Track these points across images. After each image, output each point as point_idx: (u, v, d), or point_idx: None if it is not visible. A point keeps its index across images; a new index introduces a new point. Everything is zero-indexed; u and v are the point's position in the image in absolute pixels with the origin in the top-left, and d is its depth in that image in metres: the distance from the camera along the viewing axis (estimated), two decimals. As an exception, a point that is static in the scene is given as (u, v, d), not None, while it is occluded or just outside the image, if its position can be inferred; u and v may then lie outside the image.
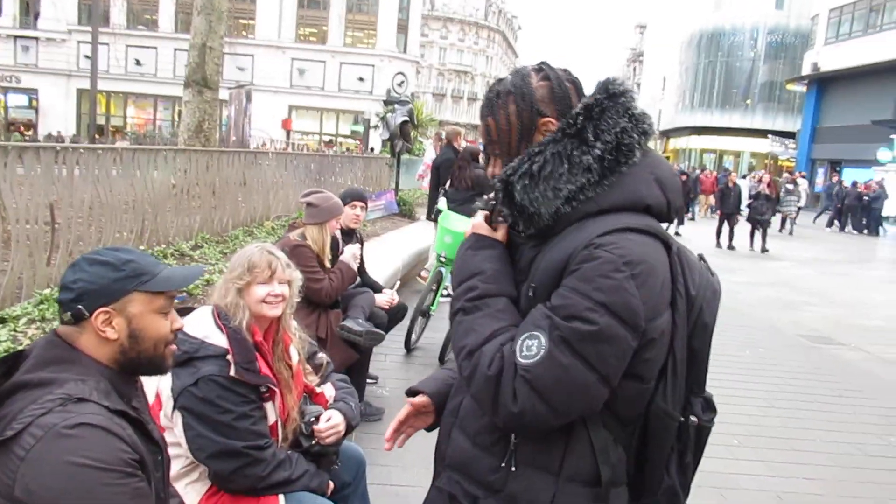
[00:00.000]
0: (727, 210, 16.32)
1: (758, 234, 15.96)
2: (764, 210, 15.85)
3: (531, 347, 1.26)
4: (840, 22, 33.69)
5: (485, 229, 1.48)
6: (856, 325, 8.74)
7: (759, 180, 18.32)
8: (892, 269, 14.91)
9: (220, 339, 2.15)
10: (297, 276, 2.41)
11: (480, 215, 1.51)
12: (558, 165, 1.32)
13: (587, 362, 1.23)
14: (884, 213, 23.87)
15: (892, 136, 28.18)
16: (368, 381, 4.80)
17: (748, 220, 16.07)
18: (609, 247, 1.25)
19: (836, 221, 24.56)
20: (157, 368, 1.58)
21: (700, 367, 1.40)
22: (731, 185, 16.75)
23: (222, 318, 2.21)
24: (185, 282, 1.60)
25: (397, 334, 5.65)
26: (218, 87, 12.00)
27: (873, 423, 5.22)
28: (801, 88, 38.38)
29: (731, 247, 16.00)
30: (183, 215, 7.58)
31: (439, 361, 5.70)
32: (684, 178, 20.00)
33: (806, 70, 36.08)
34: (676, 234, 18.03)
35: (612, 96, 1.36)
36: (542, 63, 1.45)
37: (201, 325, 2.18)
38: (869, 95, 30.68)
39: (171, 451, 2.06)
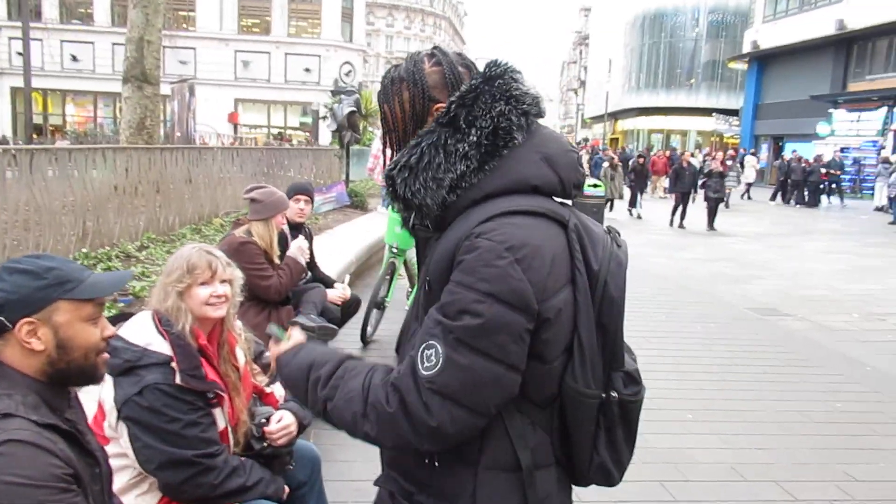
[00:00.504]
0: (683, 190, 16.45)
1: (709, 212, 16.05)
2: (718, 188, 15.99)
3: (430, 357, 1.24)
4: (777, 0, 34.46)
5: (282, 348, 1.52)
6: (801, 296, 9.00)
7: (713, 157, 18.63)
8: (833, 240, 15.38)
9: (162, 346, 2.08)
10: (238, 275, 2.34)
11: (273, 345, 1.56)
12: (434, 156, 1.30)
13: (488, 356, 1.22)
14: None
15: (831, 111, 29.06)
16: (324, 376, 4.76)
17: (705, 199, 16.20)
18: (489, 234, 1.24)
19: (779, 195, 25.26)
20: (89, 378, 1.52)
21: (615, 342, 1.38)
22: (685, 164, 16.86)
23: (164, 323, 2.13)
24: (112, 287, 1.54)
25: (352, 328, 5.61)
26: (159, 82, 11.68)
27: (819, 390, 5.38)
28: (742, 66, 39.20)
29: (681, 226, 16.23)
30: (127, 215, 7.39)
31: (396, 353, 5.70)
32: (641, 160, 20.13)
33: (746, 48, 36.81)
34: (638, 217, 18.16)
35: (489, 79, 1.34)
36: (436, 48, 1.43)
37: (142, 332, 2.11)
38: (807, 71, 31.52)
39: (118, 462, 2.00)
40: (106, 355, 1.54)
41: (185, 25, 39.45)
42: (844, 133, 28.46)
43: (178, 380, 2.05)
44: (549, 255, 1.26)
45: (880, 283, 10.15)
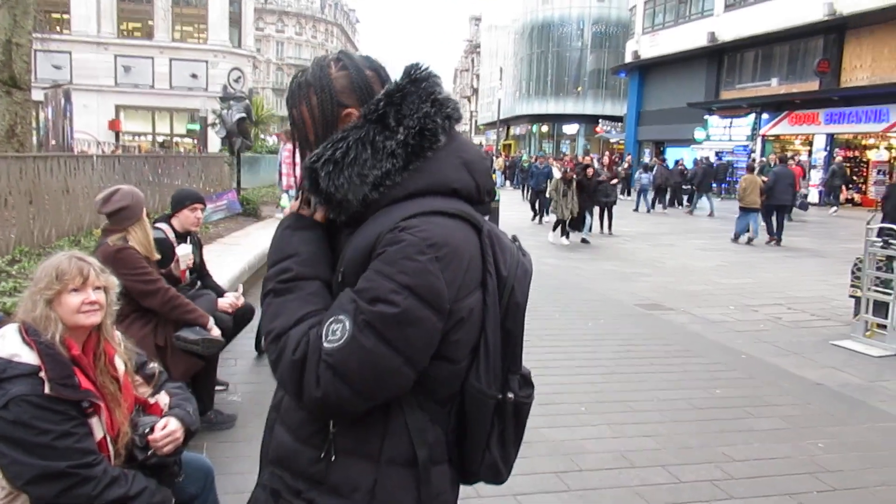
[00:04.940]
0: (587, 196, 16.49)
1: (605, 216, 16.37)
2: (609, 192, 16.29)
3: (336, 332, 1.24)
4: (654, 13, 36.35)
5: (305, 209, 1.45)
6: (682, 291, 9.50)
7: (601, 162, 18.89)
8: (710, 238, 16.32)
9: (29, 357, 1.96)
10: (113, 282, 2.23)
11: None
12: (362, 151, 1.31)
13: (391, 346, 1.23)
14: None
15: (706, 117, 30.95)
16: (218, 388, 4.59)
17: (596, 203, 16.24)
18: (413, 230, 1.25)
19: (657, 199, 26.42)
20: None
21: (515, 346, 1.42)
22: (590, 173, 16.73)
23: (31, 333, 2.01)
24: None
25: (247, 337, 5.45)
26: (30, 87, 10.96)
27: (701, 378, 5.70)
28: (624, 76, 41.04)
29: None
30: (-5, 228, 6.90)
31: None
32: (591, 171, 17.25)
33: (628, 58, 38.65)
34: (584, 241, 15.07)
35: (415, 81, 1.36)
36: (342, 52, 1.44)
37: (6, 344, 1.98)
38: (683, 80, 33.42)
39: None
40: None
41: (58, 28, 37.14)
42: (719, 138, 30.42)
43: (47, 389, 1.93)
44: (465, 257, 1.29)
45: (752, 276, 10.87)
